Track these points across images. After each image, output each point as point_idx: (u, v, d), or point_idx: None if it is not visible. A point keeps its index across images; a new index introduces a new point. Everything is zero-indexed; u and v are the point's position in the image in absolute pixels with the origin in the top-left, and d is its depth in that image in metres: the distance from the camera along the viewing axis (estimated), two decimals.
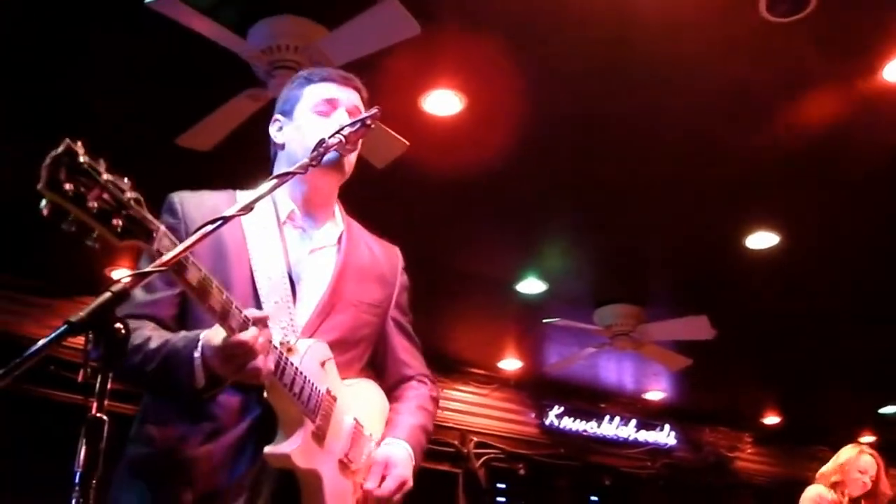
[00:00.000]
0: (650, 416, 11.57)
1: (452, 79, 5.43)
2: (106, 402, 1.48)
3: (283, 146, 2.62)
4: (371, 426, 2.54)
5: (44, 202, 1.55)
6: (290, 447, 2.21)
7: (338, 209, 2.70)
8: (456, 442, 10.30)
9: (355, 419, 2.46)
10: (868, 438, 5.85)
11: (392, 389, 2.76)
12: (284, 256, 2.47)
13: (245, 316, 2.04)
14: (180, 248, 1.77)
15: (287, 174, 2.05)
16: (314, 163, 2.14)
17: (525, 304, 8.57)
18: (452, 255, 7.63)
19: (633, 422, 11.43)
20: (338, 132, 2.27)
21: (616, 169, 6.25)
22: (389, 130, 5.33)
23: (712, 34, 4.92)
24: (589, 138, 5.93)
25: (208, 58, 4.89)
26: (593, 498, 11.36)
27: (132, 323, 2.15)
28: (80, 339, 1.49)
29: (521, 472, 10.75)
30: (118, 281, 1.54)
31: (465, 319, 9.29)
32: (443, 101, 5.61)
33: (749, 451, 12.22)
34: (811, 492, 5.76)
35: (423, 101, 5.59)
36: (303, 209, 2.58)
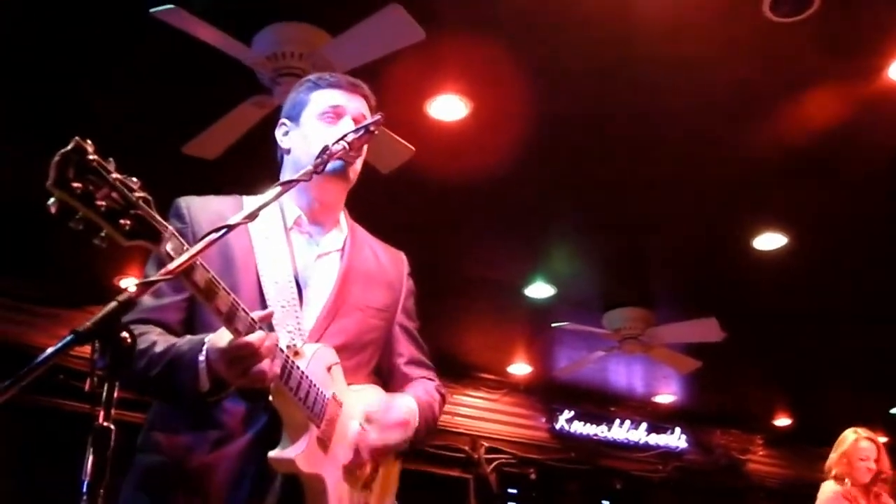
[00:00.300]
0: (660, 420, 11.54)
1: (457, 84, 5.43)
2: (113, 411, 1.48)
3: (288, 151, 2.62)
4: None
5: (52, 200, 1.56)
6: (295, 452, 2.20)
7: (343, 215, 2.70)
8: (466, 447, 10.29)
9: (361, 425, 2.44)
10: (881, 440, 5.82)
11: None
12: (291, 262, 2.47)
13: (251, 318, 2.04)
14: (186, 255, 1.77)
15: (291, 182, 2.05)
16: (318, 170, 2.13)
17: (533, 309, 8.56)
18: (460, 261, 7.63)
19: (644, 425, 11.41)
20: (341, 139, 2.27)
21: (623, 171, 6.25)
22: (395, 136, 5.34)
23: (716, 34, 4.92)
24: (595, 141, 5.93)
25: (213, 65, 4.89)
26: (604, 502, 11.32)
27: (138, 328, 2.18)
28: (88, 349, 1.49)
29: (532, 476, 10.73)
30: (124, 290, 1.54)
31: (473, 324, 9.29)
32: (448, 107, 5.61)
33: (760, 453, 12.18)
34: (826, 490, 5.76)
35: (428, 106, 5.60)
36: (309, 215, 2.58)
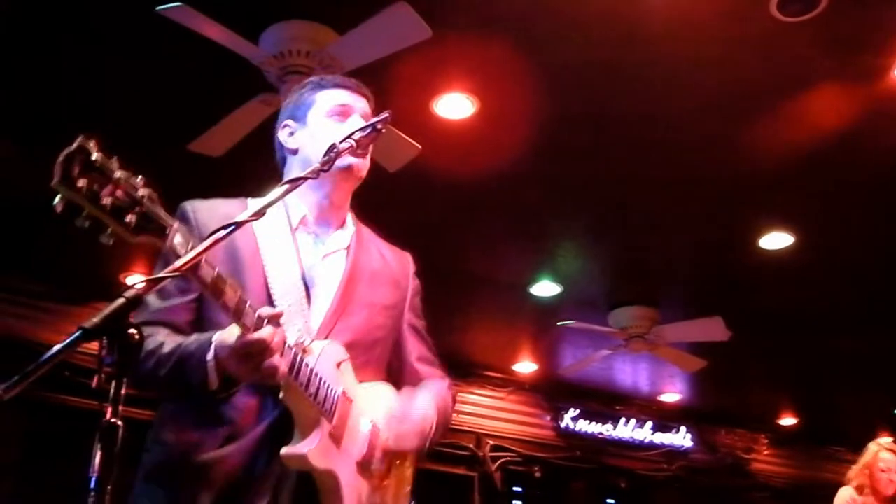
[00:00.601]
0: (666, 419, 11.54)
1: (464, 82, 5.43)
2: (121, 408, 1.49)
3: (296, 151, 2.62)
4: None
5: (57, 198, 1.57)
6: (307, 448, 2.20)
7: (349, 215, 2.71)
8: (472, 445, 10.29)
9: (372, 422, 2.45)
10: (885, 439, 5.83)
11: None
12: (298, 261, 2.48)
13: (259, 315, 2.05)
14: (192, 253, 1.78)
15: (299, 179, 2.05)
16: (325, 168, 2.14)
17: (539, 307, 8.57)
18: (466, 259, 7.64)
19: (649, 424, 11.41)
20: (349, 136, 2.28)
21: (629, 170, 6.24)
22: (402, 134, 5.34)
23: (723, 34, 4.92)
24: (602, 139, 5.93)
25: (220, 63, 4.90)
26: (609, 501, 11.33)
27: (147, 329, 2.18)
28: (95, 345, 1.50)
29: (537, 474, 10.73)
30: (132, 286, 1.55)
31: (479, 323, 9.30)
32: (455, 105, 5.62)
33: (766, 452, 12.18)
34: (843, 494, 5.77)
35: (435, 104, 5.60)
36: (315, 215, 2.59)
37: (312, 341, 2.35)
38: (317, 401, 2.24)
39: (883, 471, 5.67)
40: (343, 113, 2.58)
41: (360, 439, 2.40)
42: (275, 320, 2.08)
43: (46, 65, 5.26)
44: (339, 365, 2.37)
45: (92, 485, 1.43)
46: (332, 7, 4.88)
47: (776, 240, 7.10)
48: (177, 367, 2.17)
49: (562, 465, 10.90)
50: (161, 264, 2.31)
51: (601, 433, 11.15)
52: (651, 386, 10.98)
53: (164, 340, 2.23)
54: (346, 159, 2.43)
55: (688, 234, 7.14)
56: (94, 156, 1.61)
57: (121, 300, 1.51)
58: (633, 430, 11.31)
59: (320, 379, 2.25)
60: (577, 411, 11.04)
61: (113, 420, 1.46)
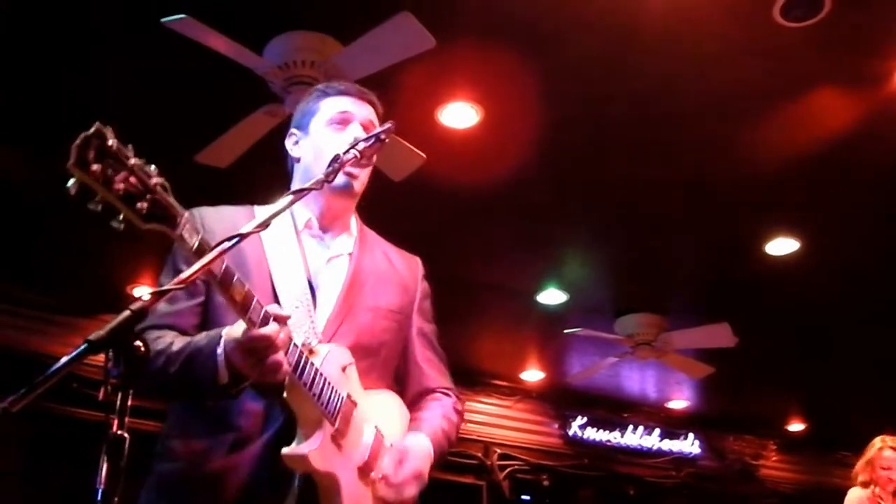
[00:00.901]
0: (674, 425, 11.53)
1: (468, 91, 5.44)
2: (127, 419, 1.49)
3: (298, 160, 2.64)
4: (392, 437, 2.51)
5: (71, 181, 1.58)
6: (308, 448, 2.20)
7: (353, 219, 2.71)
8: (479, 454, 10.29)
9: (376, 428, 2.45)
10: (892, 437, 5.83)
11: (415, 401, 2.73)
12: (304, 264, 2.49)
13: (266, 311, 2.06)
14: (198, 265, 1.78)
15: (303, 190, 2.07)
16: (329, 179, 2.15)
17: (546, 315, 8.57)
18: (472, 268, 7.64)
19: (657, 431, 11.40)
20: (352, 147, 2.28)
21: (634, 177, 6.24)
22: (406, 144, 5.35)
23: (727, 39, 4.92)
24: (606, 146, 5.93)
25: (225, 74, 4.91)
26: None
27: (154, 332, 2.22)
28: (101, 357, 1.50)
29: (546, 483, 10.73)
30: (138, 299, 1.55)
31: (486, 331, 9.29)
32: (459, 114, 5.63)
33: (774, 458, 12.15)
34: (851, 495, 5.77)
35: (439, 113, 5.61)
36: (319, 219, 2.60)
37: (318, 343, 2.35)
38: (320, 402, 2.24)
39: (883, 468, 5.66)
40: (343, 121, 2.59)
41: (363, 445, 2.40)
42: (281, 321, 2.08)
43: (52, 74, 5.28)
44: (344, 368, 2.37)
45: (98, 497, 1.44)
46: (337, 17, 4.89)
47: (782, 245, 7.09)
48: (187, 363, 2.17)
49: (570, 473, 10.90)
50: (168, 268, 2.36)
51: (609, 441, 11.15)
52: (658, 393, 10.97)
53: (173, 340, 2.24)
54: (344, 180, 2.46)
55: (694, 241, 7.14)
56: (110, 141, 1.63)
57: (127, 313, 1.51)
58: (640, 437, 11.30)
59: (325, 380, 2.25)
60: (585, 419, 11.04)
61: (119, 432, 1.47)
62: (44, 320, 7.97)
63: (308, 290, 2.44)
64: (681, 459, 11.53)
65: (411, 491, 2.43)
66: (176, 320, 2.35)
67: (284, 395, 2.22)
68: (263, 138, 5.26)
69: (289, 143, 2.68)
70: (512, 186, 6.32)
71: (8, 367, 6.85)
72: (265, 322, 2.04)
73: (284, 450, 2.20)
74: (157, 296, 1.64)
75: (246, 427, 2.26)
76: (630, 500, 11.21)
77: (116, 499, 1.45)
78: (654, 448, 11.39)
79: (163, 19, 4.38)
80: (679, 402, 11.23)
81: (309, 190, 2.08)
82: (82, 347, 1.44)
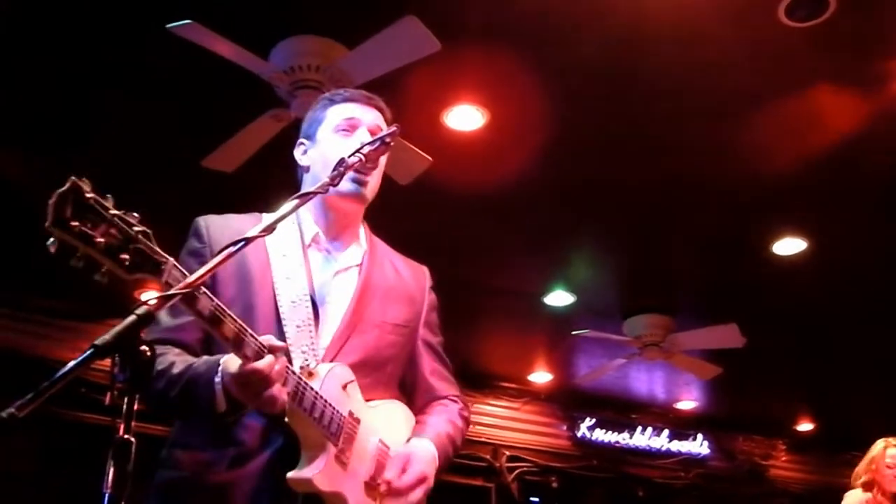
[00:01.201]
0: (682, 426, 11.50)
1: (474, 94, 5.45)
2: (134, 423, 1.50)
3: (307, 168, 2.64)
4: (397, 446, 2.51)
5: (51, 240, 1.59)
6: (313, 472, 2.21)
7: (363, 230, 2.71)
8: (488, 456, 10.29)
9: (380, 440, 2.45)
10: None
11: (422, 410, 2.73)
12: (308, 279, 2.48)
13: (260, 344, 2.05)
14: (205, 268, 1.78)
15: (308, 194, 2.06)
16: (334, 183, 2.15)
17: (554, 317, 8.56)
18: (479, 270, 7.64)
19: (666, 432, 11.37)
20: (357, 151, 2.29)
21: (640, 178, 6.24)
22: (412, 147, 5.36)
23: (732, 40, 4.91)
24: (612, 147, 5.93)
25: (231, 79, 4.92)
26: None
27: (157, 348, 2.20)
28: (108, 362, 1.51)
29: (554, 485, 10.71)
30: (143, 304, 1.56)
31: (494, 334, 9.30)
32: (465, 116, 5.63)
33: (783, 458, 12.12)
34: (850, 499, 5.73)
35: (445, 116, 5.61)
36: (327, 232, 2.59)
37: (318, 364, 2.34)
38: (321, 424, 2.24)
39: (889, 467, 5.63)
40: (350, 127, 2.58)
41: (368, 459, 2.40)
42: (277, 352, 2.08)
43: (59, 81, 5.30)
44: (345, 386, 2.36)
45: (105, 501, 1.44)
46: (342, 21, 4.89)
47: (789, 245, 7.08)
48: (186, 389, 2.18)
49: (579, 475, 10.88)
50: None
51: (618, 442, 11.12)
52: (667, 394, 10.95)
53: (175, 360, 2.24)
54: (349, 185, 2.46)
55: (701, 241, 7.13)
56: (87, 195, 1.63)
57: (132, 317, 1.52)
58: (649, 438, 11.27)
59: (325, 402, 2.25)
60: (593, 420, 11.02)
61: (126, 437, 1.48)
62: (52, 325, 7.99)
63: (311, 309, 2.43)
64: (690, 460, 11.50)
65: (416, 496, 2.43)
66: (180, 335, 2.35)
67: (286, 419, 2.22)
68: (269, 143, 5.27)
69: (297, 153, 2.68)
70: (518, 188, 6.33)
71: (16, 371, 6.90)
72: (259, 356, 2.04)
73: (289, 474, 2.21)
74: (162, 300, 1.64)
75: (248, 442, 2.27)
76: (639, 501, 11.19)
77: (123, 503, 1.45)
78: (663, 449, 11.36)
79: (168, 25, 4.39)
80: (688, 403, 11.20)
81: (315, 193, 2.09)
82: (88, 353, 1.45)
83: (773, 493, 11.89)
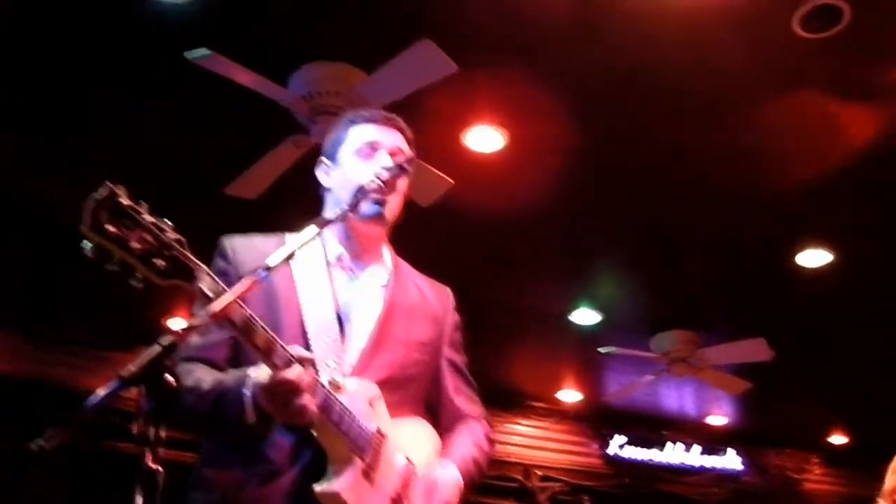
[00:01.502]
0: (714, 441, 11.42)
1: (492, 114, 5.47)
2: (161, 451, 1.51)
3: (329, 189, 2.66)
4: (423, 464, 2.52)
5: (87, 244, 1.61)
6: (340, 485, 2.21)
7: (386, 250, 2.73)
8: (519, 476, 10.26)
9: (407, 458, 2.46)
10: None
11: (446, 430, 2.74)
12: (333, 298, 2.49)
13: (290, 354, 2.07)
14: (227, 297, 1.81)
15: (327, 222, 2.09)
16: (352, 210, 2.17)
17: (580, 335, 8.55)
18: (504, 291, 7.65)
19: (697, 448, 11.28)
20: (375, 178, 2.31)
21: (662, 193, 6.24)
22: (433, 169, 5.37)
23: (748, 53, 4.90)
24: (632, 163, 5.93)
25: (251, 106, 4.97)
26: None
27: (186, 365, 2.24)
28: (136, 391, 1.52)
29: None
30: (168, 334, 1.58)
31: (521, 353, 9.30)
32: (485, 137, 5.65)
33: (817, 472, 12.00)
34: None
35: (464, 138, 5.63)
36: (350, 253, 2.61)
37: (346, 379, 2.36)
38: (349, 438, 2.25)
39: None
40: (370, 150, 2.60)
41: (394, 475, 2.40)
42: (306, 362, 2.10)
43: (84, 109, 5.36)
44: (371, 402, 2.38)
45: None
46: (359, 46, 4.93)
47: (814, 257, 7.04)
48: (216, 403, 2.19)
49: (611, 493, 10.83)
50: (200, 303, 2.38)
51: (649, 459, 11.06)
52: (697, 409, 10.89)
53: (203, 377, 2.26)
54: (369, 208, 2.46)
55: (725, 255, 7.10)
56: (123, 201, 1.66)
57: (157, 348, 1.54)
58: (681, 454, 11.20)
59: (353, 417, 2.26)
60: (624, 438, 10.97)
61: (153, 465, 1.49)
62: (80, 354, 8.06)
63: (337, 325, 2.45)
64: (723, 476, 11.41)
65: None
66: (208, 354, 2.37)
67: (314, 433, 2.23)
68: (290, 168, 5.30)
69: (319, 173, 2.71)
70: (540, 207, 6.33)
71: (44, 400, 6.94)
72: (288, 365, 2.06)
73: (316, 487, 2.21)
74: (186, 331, 1.66)
75: (277, 459, 2.28)
76: None
77: None
78: (696, 465, 11.27)
79: (188, 55, 4.43)
80: (718, 418, 11.13)
81: (331, 222, 2.11)
82: (114, 385, 1.47)
83: None
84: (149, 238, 1.71)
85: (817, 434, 11.60)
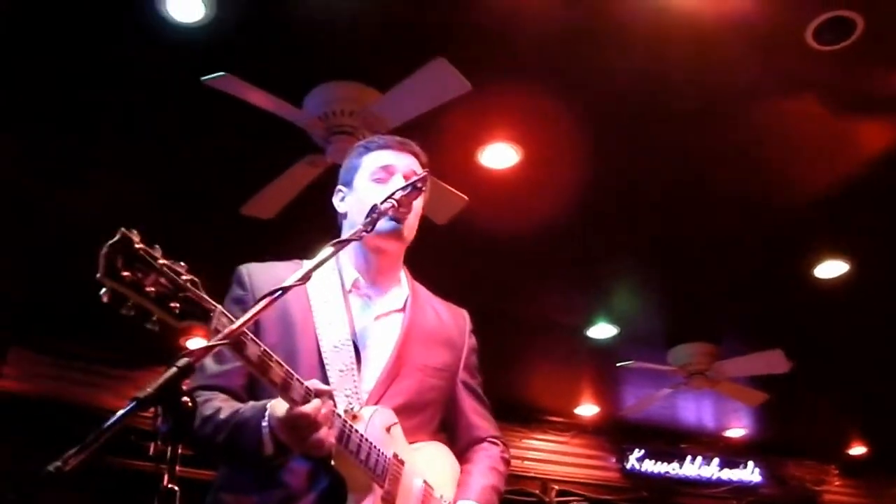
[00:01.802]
0: (733, 454, 11.37)
1: (507, 131, 5.49)
2: (178, 468, 1.54)
3: (345, 215, 2.69)
4: (441, 488, 2.54)
5: (103, 290, 1.64)
6: None
7: (403, 274, 2.75)
8: (537, 491, 10.23)
9: (425, 482, 2.47)
10: None
11: (463, 452, 2.76)
12: (349, 324, 2.51)
13: (307, 388, 2.09)
14: (245, 317, 1.82)
15: (343, 241, 2.11)
16: (367, 229, 2.19)
17: (597, 349, 8.54)
18: (521, 306, 7.66)
19: (716, 460, 11.24)
20: (389, 197, 2.33)
21: (678, 206, 6.24)
22: (448, 187, 5.39)
23: (762, 67, 4.91)
24: (648, 178, 5.93)
25: (266, 126, 4.99)
26: None
27: (204, 394, 2.25)
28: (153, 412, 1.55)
29: None
30: (184, 355, 1.59)
31: (539, 368, 9.29)
32: (499, 155, 5.67)
33: (837, 483, 11.93)
34: None
35: (479, 155, 5.65)
36: (367, 277, 2.63)
37: (362, 407, 2.37)
38: (367, 466, 2.27)
39: None
40: (385, 174, 2.63)
41: (413, 500, 2.42)
42: (324, 396, 2.12)
43: (98, 131, 5.39)
44: (388, 429, 2.39)
45: None
46: (373, 66, 4.96)
47: (832, 268, 7.03)
48: (233, 433, 2.21)
49: None
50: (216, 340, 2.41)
51: (668, 472, 11.02)
52: (715, 422, 10.85)
53: (221, 406, 2.28)
54: (386, 223, 2.48)
55: (742, 267, 7.09)
56: (137, 245, 1.68)
57: (173, 369, 1.55)
58: (699, 467, 11.15)
59: (370, 445, 2.28)
60: (642, 451, 10.94)
61: (170, 485, 1.51)
62: (98, 373, 8.08)
63: (353, 353, 2.46)
64: (742, 488, 11.35)
65: None
66: (224, 381, 2.39)
67: (332, 462, 2.25)
68: (306, 188, 5.33)
69: (336, 200, 2.74)
70: (555, 223, 6.34)
71: (62, 419, 6.98)
72: (306, 400, 2.08)
73: None
74: (202, 351, 1.67)
75: (294, 485, 2.29)
76: None
77: None
78: (714, 478, 11.22)
79: (203, 77, 4.47)
80: (737, 431, 11.09)
81: (349, 241, 2.13)
82: (130, 406, 1.48)
83: None
84: (164, 281, 1.74)
85: (836, 445, 11.55)
